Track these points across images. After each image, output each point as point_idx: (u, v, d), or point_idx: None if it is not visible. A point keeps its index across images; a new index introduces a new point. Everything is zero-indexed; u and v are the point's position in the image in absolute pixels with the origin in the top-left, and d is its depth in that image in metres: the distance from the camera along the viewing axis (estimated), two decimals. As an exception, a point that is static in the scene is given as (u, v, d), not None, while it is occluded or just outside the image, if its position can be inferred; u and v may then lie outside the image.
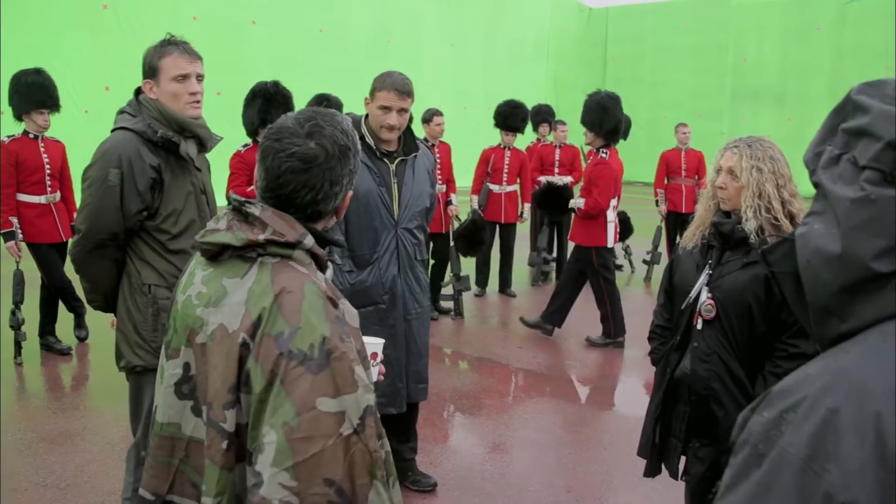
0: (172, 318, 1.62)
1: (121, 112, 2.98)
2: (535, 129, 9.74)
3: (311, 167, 1.52)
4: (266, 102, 5.33)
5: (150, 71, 2.89)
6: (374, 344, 1.89)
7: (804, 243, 0.91)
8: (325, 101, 5.77)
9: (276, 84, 5.42)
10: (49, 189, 5.81)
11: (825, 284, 0.88)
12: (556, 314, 6.97)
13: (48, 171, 5.78)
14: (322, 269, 1.59)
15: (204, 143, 3.06)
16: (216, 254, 1.55)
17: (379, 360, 1.92)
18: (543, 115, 9.77)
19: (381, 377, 1.86)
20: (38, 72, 5.72)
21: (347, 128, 1.59)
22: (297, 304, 1.44)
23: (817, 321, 0.92)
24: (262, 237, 1.49)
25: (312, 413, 1.36)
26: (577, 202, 6.72)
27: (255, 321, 1.43)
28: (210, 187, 3.21)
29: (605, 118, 6.47)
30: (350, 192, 1.62)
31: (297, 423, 1.35)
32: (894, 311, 0.83)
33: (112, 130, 2.97)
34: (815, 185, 0.92)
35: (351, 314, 1.55)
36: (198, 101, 2.94)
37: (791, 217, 2.67)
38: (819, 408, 0.80)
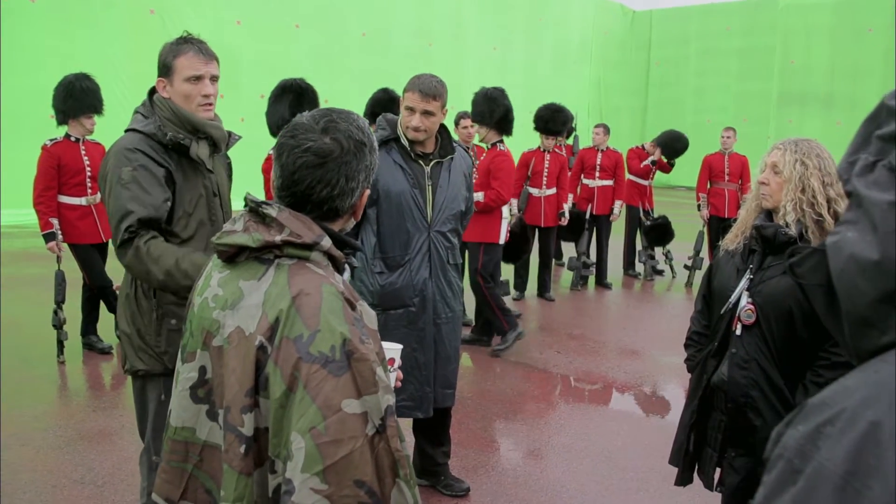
0: (189, 320, 1.61)
1: (135, 112, 2.90)
2: None
3: (326, 162, 1.49)
4: (297, 97, 5.28)
5: (164, 69, 2.80)
6: (392, 349, 1.86)
7: (837, 252, 0.87)
8: (385, 95, 5.73)
9: (304, 80, 5.39)
10: (89, 191, 5.90)
11: (862, 294, 0.83)
12: (487, 324, 6.73)
13: (88, 174, 5.87)
14: (339, 270, 1.57)
15: (217, 143, 2.94)
16: (233, 255, 1.53)
17: (396, 365, 1.88)
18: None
19: (399, 383, 1.83)
20: (88, 77, 5.83)
21: (363, 125, 1.57)
22: (316, 306, 1.41)
23: (854, 334, 0.87)
24: (278, 238, 1.47)
25: (339, 415, 1.35)
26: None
27: (273, 324, 1.41)
28: (226, 189, 3.09)
29: (495, 108, 6.45)
30: (367, 191, 1.60)
31: (324, 426, 1.34)
32: None
33: (125, 131, 2.87)
34: (849, 193, 0.88)
35: (369, 316, 1.53)
36: (210, 104, 2.85)
37: (837, 217, 2.59)
38: (859, 421, 0.75)
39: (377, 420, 1.39)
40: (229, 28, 14.44)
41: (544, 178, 8.22)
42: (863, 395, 0.77)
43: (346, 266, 1.59)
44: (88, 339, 6.13)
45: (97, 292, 6.10)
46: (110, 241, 6.02)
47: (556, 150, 8.43)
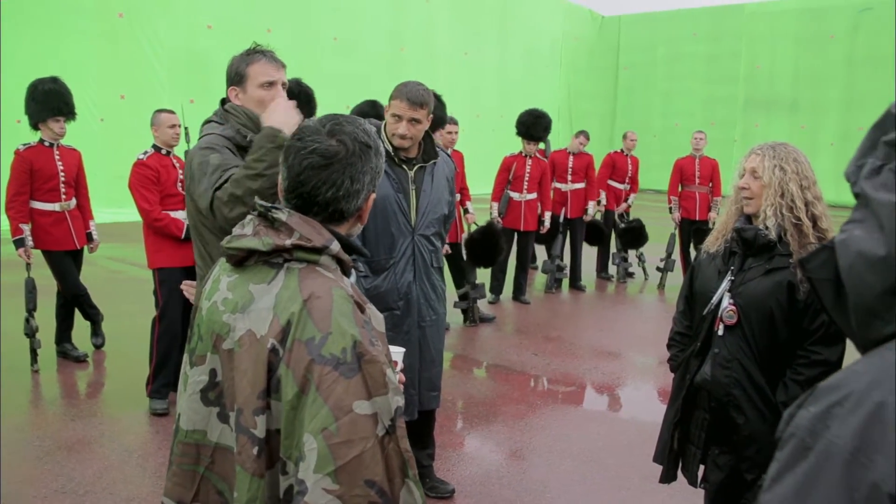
0: (196, 325, 1.62)
1: (206, 122, 2.98)
2: None
3: (332, 163, 1.51)
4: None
5: (237, 78, 2.90)
6: (395, 352, 1.89)
7: (845, 249, 0.93)
8: (373, 109, 5.72)
9: (297, 82, 5.36)
10: (64, 196, 5.84)
11: (870, 287, 0.89)
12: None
13: (63, 179, 5.80)
14: (347, 274, 1.59)
15: None
16: (242, 259, 1.54)
17: (399, 368, 1.91)
18: None
19: (401, 385, 1.86)
20: (55, 80, 5.76)
21: (370, 129, 1.59)
22: (327, 309, 1.43)
23: (861, 324, 0.93)
24: (288, 242, 1.49)
25: (350, 417, 1.37)
26: None
27: (285, 327, 1.43)
28: None
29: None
30: (373, 195, 1.62)
31: (335, 427, 1.36)
32: None
33: (200, 138, 2.95)
34: (857, 195, 0.94)
35: (377, 319, 1.55)
36: None
37: (814, 220, 2.66)
38: (866, 402, 0.82)
39: (387, 421, 1.41)
40: (200, 32, 14.34)
41: (525, 183, 8.30)
42: (870, 378, 0.84)
43: (352, 270, 1.62)
44: (63, 348, 6.05)
45: (71, 300, 6.04)
46: (85, 247, 6.02)
47: (540, 154, 8.53)
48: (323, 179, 1.51)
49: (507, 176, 8.35)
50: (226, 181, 2.66)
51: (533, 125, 8.13)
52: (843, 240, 0.93)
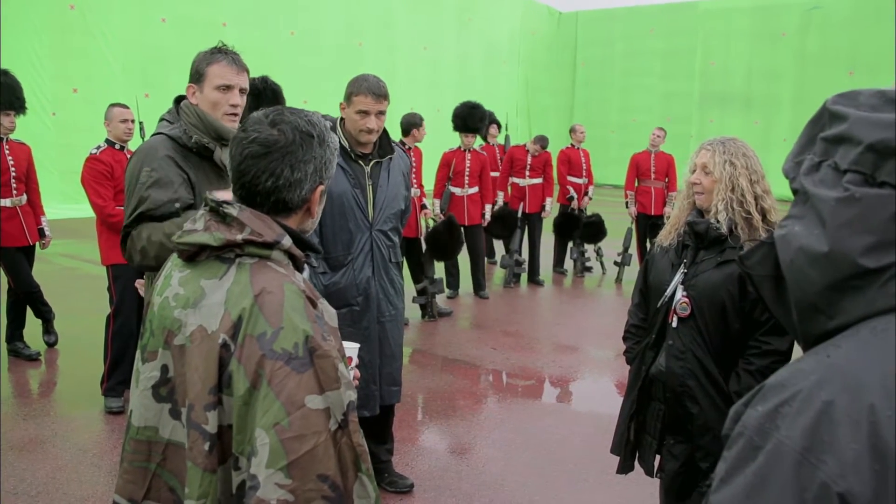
0: (149, 320, 1.60)
1: (161, 119, 2.97)
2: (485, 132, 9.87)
3: (270, 152, 1.51)
4: (255, 99, 5.20)
5: (196, 76, 2.87)
6: (350, 348, 1.89)
7: (786, 244, 0.93)
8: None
9: (264, 80, 5.31)
10: (15, 192, 5.72)
11: (812, 283, 0.89)
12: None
13: (13, 174, 5.68)
14: (299, 269, 1.59)
15: None
16: (193, 255, 1.53)
17: (354, 364, 1.92)
18: (492, 119, 9.93)
19: (356, 381, 1.86)
20: (5, 73, 5.63)
21: (316, 120, 1.58)
22: (279, 304, 1.43)
23: (803, 319, 0.93)
24: (240, 237, 1.48)
25: (302, 411, 1.37)
26: None
27: (236, 322, 1.43)
28: None
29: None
30: (321, 187, 1.60)
31: (287, 422, 1.36)
32: (883, 307, 0.84)
33: (151, 135, 2.97)
34: (795, 191, 0.94)
35: (330, 314, 1.55)
36: (236, 114, 2.92)
37: (763, 213, 2.72)
38: (814, 401, 0.81)
39: (339, 415, 1.41)
40: (154, 26, 14.10)
41: (466, 178, 8.33)
42: (817, 377, 0.83)
43: (305, 265, 1.61)
44: (14, 346, 5.93)
45: (23, 297, 5.92)
46: (37, 243, 5.90)
47: (486, 149, 8.54)
48: (262, 168, 1.51)
49: (447, 172, 8.36)
50: (141, 214, 2.69)
51: (468, 116, 8.16)
52: (783, 235, 0.93)
